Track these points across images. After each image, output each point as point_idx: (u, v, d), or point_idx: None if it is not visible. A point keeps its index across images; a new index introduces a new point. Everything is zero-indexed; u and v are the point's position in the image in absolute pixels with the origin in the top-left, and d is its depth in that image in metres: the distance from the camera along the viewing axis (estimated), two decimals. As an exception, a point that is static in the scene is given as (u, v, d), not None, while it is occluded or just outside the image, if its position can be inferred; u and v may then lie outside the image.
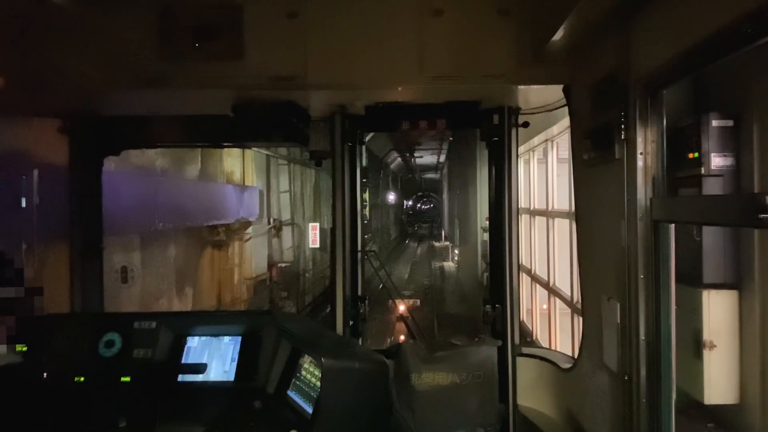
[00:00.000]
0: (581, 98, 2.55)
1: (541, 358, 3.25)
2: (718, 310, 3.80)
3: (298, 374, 2.70)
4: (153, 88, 2.78)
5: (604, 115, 2.27)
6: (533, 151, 11.04)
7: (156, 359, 2.91)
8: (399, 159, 41.20)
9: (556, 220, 9.62)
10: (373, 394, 2.68)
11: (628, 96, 2.07)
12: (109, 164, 3.72)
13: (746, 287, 3.77)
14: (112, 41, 2.71)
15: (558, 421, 3.04)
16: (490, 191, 3.46)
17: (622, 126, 2.09)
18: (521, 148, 5.08)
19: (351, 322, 3.41)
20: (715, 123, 3.60)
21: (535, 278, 11.19)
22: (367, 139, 19.56)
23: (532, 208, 11.29)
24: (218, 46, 2.73)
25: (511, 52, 2.72)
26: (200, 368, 2.85)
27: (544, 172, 10.20)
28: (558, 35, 2.32)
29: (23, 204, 3.24)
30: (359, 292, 3.53)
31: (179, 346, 3.01)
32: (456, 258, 30.94)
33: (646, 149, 2.04)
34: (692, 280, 3.83)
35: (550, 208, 9.89)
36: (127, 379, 2.82)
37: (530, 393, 3.23)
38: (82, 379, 2.81)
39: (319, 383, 2.50)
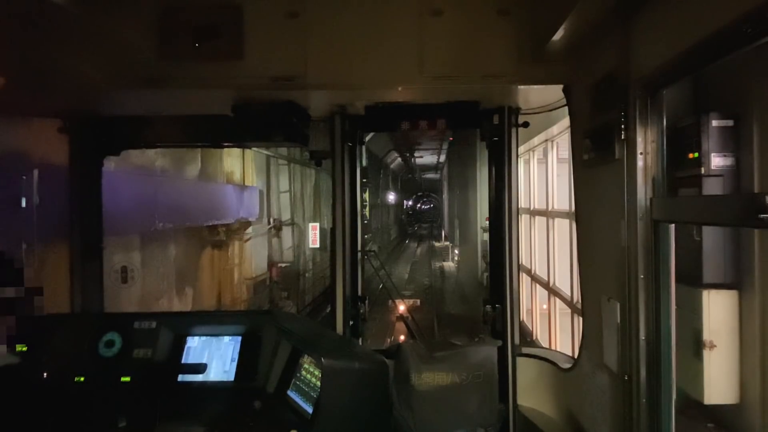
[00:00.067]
0: (581, 98, 2.55)
1: (541, 358, 3.25)
2: (718, 310, 3.79)
3: (298, 374, 2.70)
4: (153, 88, 2.78)
5: (604, 115, 2.27)
6: (533, 151, 11.04)
7: (156, 359, 2.91)
8: (399, 159, 41.21)
9: (556, 220, 9.63)
10: (373, 394, 2.68)
11: (628, 96, 2.07)
12: (109, 164, 3.72)
13: (746, 287, 3.76)
14: (112, 41, 2.71)
15: (558, 421, 3.04)
16: (490, 191, 3.46)
17: (622, 126, 2.09)
18: (521, 148, 5.08)
19: (351, 322, 3.41)
20: (715, 123, 3.60)
21: (535, 278, 11.19)
22: (367, 139, 19.57)
23: (532, 208, 11.29)
24: (218, 46, 2.73)
25: (511, 52, 2.72)
26: (200, 368, 2.85)
27: (544, 172, 10.20)
28: (558, 35, 2.32)
29: (23, 204, 3.24)
30: (359, 292, 3.53)
31: (179, 346, 3.01)
32: (456, 258, 30.94)
33: (646, 149, 2.04)
34: (692, 280, 3.83)
35: (550, 208, 9.89)
36: (127, 379, 2.82)
37: (530, 393, 3.23)
38: (82, 379, 2.81)
39: (319, 383, 2.50)
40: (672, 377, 2.01)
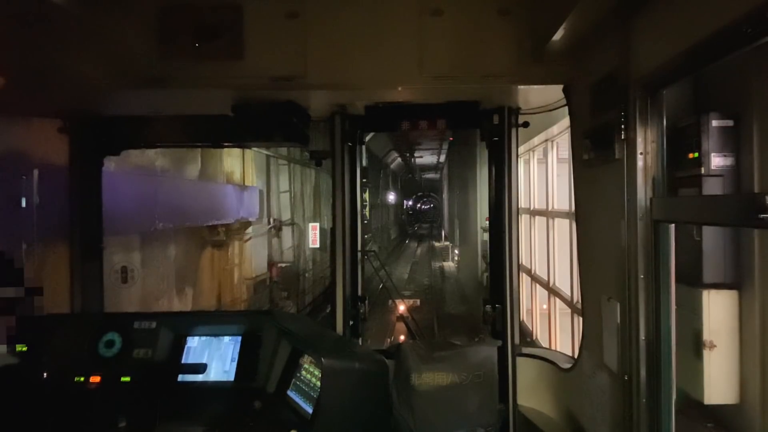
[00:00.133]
0: (581, 98, 2.55)
1: (541, 358, 3.25)
2: (718, 310, 3.79)
3: (298, 374, 2.70)
4: (153, 88, 2.78)
5: (604, 115, 2.27)
6: (533, 151, 11.04)
7: (156, 359, 2.91)
8: (399, 159, 41.21)
9: (556, 220, 9.63)
10: (373, 394, 2.69)
11: (628, 96, 2.07)
12: (109, 164, 3.72)
13: (746, 287, 3.76)
14: (112, 41, 2.71)
15: (558, 421, 3.04)
16: (490, 191, 3.46)
17: (622, 126, 2.09)
18: (521, 148, 5.08)
19: (351, 322, 3.41)
20: (715, 123, 3.60)
21: (535, 278, 11.19)
22: (367, 139, 19.57)
23: (532, 208, 11.29)
24: (218, 46, 2.73)
25: (511, 52, 2.72)
26: (200, 368, 2.85)
27: (544, 172, 10.20)
28: (558, 35, 2.31)
29: (23, 204, 3.24)
30: (359, 292, 3.53)
31: (179, 346, 3.01)
32: (456, 258, 30.95)
33: (646, 149, 2.04)
34: (692, 280, 3.83)
35: (550, 208, 9.89)
36: (127, 379, 2.82)
37: (530, 393, 3.23)
38: (82, 379, 2.81)
39: (319, 383, 2.50)
40: (672, 377, 2.01)
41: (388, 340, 14.81)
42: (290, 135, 3.20)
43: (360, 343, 3.57)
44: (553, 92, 2.86)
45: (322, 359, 2.50)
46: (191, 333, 3.05)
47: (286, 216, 17.98)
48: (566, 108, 2.83)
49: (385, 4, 2.76)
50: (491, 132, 3.29)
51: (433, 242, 46.48)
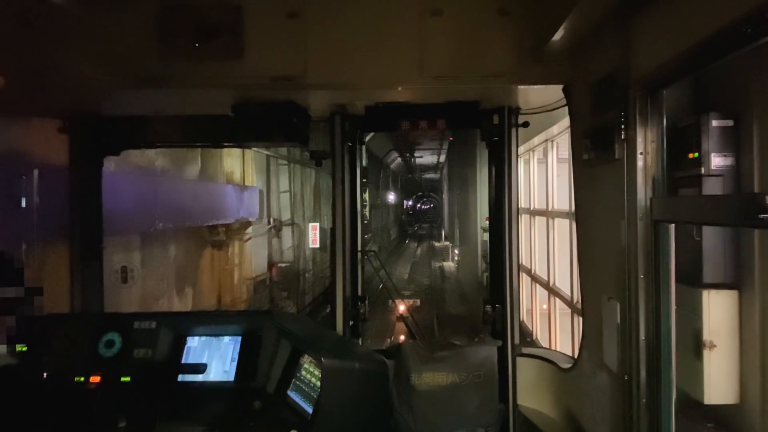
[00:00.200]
0: (581, 98, 2.55)
1: (541, 358, 3.25)
2: (718, 310, 3.79)
3: (298, 374, 2.70)
4: (153, 88, 2.78)
5: (603, 115, 2.27)
6: (533, 151, 11.04)
7: (156, 359, 2.91)
8: (399, 159, 41.21)
9: (556, 220, 9.63)
10: (373, 394, 2.69)
11: (628, 96, 2.07)
12: (109, 164, 3.72)
13: (746, 287, 3.76)
14: (112, 41, 2.71)
15: (558, 421, 3.04)
16: (490, 191, 3.45)
17: (622, 126, 2.09)
18: (521, 148, 5.08)
19: (351, 322, 3.41)
20: (715, 123, 3.60)
21: (535, 278, 11.19)
22: (367, 139, 19.56)
23: (532, 208, 11.29)
24: (218, 46, 2.73)
25: (511, 52, 2.72)
26: (200, 368, 2.85)
27: (544, 172, 10.20)
28: (558, 35, 2.31)
29: (23, 204, 3.24)
30: (359, 292, 3.53)
31: (179, 346, 3.01)
32: (456, 258, 30.95)
33: (646, 149, 2.04)
34: (692, 280, 3.83)
35: (550, 208, 9.89)
36: (127, 379, 2.82)
37: (530, 393, 3.23)
38: (82, 379, 2.81)
39: (319, 383, 2.50)
40: (672, 377, 2.01)
41: (388, 340, 14.81)
42: (290, 135, 3.20)
43: (360, 343, 3.57)
44: (553, 92, 2.86)
45: (322, 359, 2.50)
46: (191, 333, 3.05)
47: (286, 216, 17.98)
48: (566, 108, 2.83)
49: (385, 4, 2.76)
50: (491, 132, 3.29)
51: (433, 242, 46.48)
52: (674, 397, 2.02)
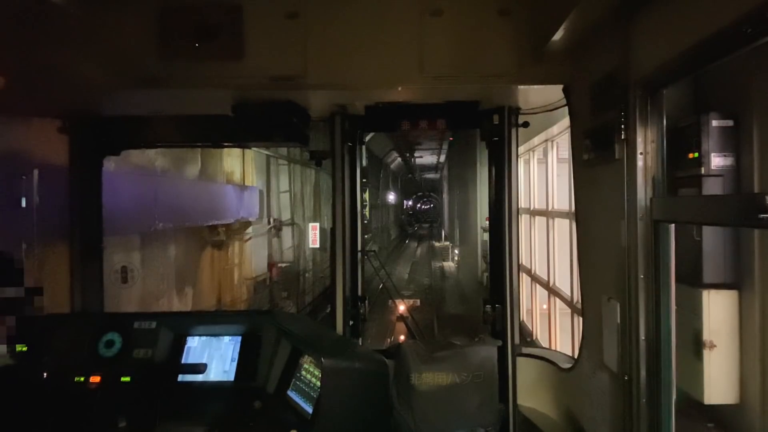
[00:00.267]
0: (581, 98, 2.55)
1: (541, 358, 3.25)
2: (718, 310, 3.79)
3: (298, 374, 2.70)
4: (153, 88, 2.78)
5: (603, 115, 2.27)
6: (533, 151, 11.04)
7: (156, 359, 2.91)
8: (399, 159, 41.20)
9: (556, 220, 9.63)
10: (373, 394, 2.68)
11: (628, 96, 2.07)
12: (109, 164, 3.72)
13: (746, 287, 3.76)
14: (112, 41, 2.71)
15: (558, 421, 3.04)
16: (490, 191, 3.45)
17: (622, 126, 2.09)
18: (521, 148, 5.08)
19: (351, 322, 3.41)
20: (715, 123, 3.60)
21: (535, 278, 11.19)
22: (367, 139, 19.58)
23: (532, 208, 11.29)
24: (218, 46, 2.73)
25: (511, 52, 2.72)
26: (200, 368, 2.85)
27: (544, 172, 10.20)
28: (558, 35, 2.31)
29: (23, 204, 3.24)
30: (359, 292, 3.53)
31: (179, 346, 3.01)
32: (456, 258, 30.95)
33: (646, 149, 2.04)
34: (692, 280, 3.83)
35: (550, 208, 9.89)
36: (127, 379, 2.82)
37: (530, 393, 3.23)
38: (82, 379, 2.81)
39: (319, 383, 2.50)
40: (672, 377, 2.01)
41: (388, 340, 14.81)
42: (290, 135, 3.20)
43: (360, 343, 3.57)
44: (553, 92, 2.86)
45: (322, 359, 2.50)
46: (191, 333, 3.05)
47: (286, 216, 17.98)
48: (566, 108, 2.83)
49: (385, 5, 2.76)
50: (491, 132, 3.29)
51: (433, 242, 46.46)
52: (674, 397, 2.02)
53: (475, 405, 3.07)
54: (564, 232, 8.99)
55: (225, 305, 12.34)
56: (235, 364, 2.94)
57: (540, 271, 10.85)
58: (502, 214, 3.28)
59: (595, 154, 2.37)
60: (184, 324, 3.09)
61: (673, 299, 2.01)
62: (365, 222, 26.71)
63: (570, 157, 2.78)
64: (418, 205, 66.43)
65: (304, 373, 2.67)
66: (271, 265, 15.97)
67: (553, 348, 8.66)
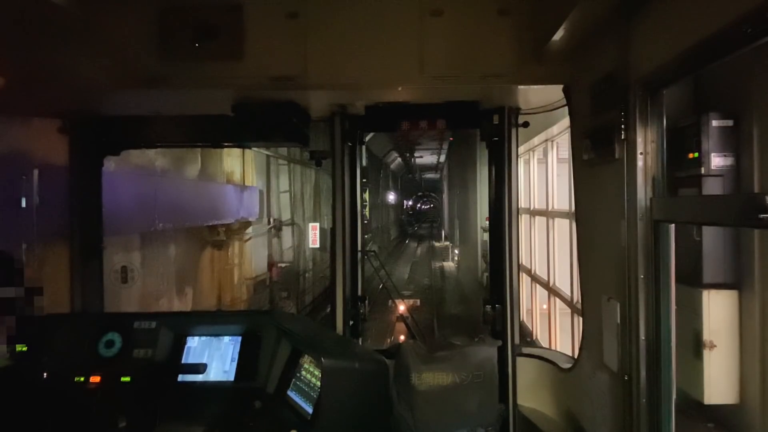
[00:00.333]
0: (581, 98, 2.55)
1: (541, 358, 3.25)
2: (718, 310, 3.79)
3: (298, 374, 2.70)
4: (153, 88, 2.78)
5: (603, 115, 2.27)
6: (533, 151, 11.04)
7: (156, 359, 2.91)
8: (399, 159, 41.21)
9: (556, 220, 9.63)
10: (373, 394, 2.68)
11: (628, 96, 2.07)
12: (109, 164, 3.72)
13: (746, 287, 3.76)
14: (112, 41, 2.71)
15: (558, 421, 3.04)
16: (490, 191, 3.45)
17: (622, 126, 2.09)
18: (521, 148, 5.08)
19: (351, 322, 3.41)
20: (715, 123, 3.60)
21: (535, 278, 11.19)
22: (367, 139, 19.58)
23: (532, 208, 11.29)
24: (218, 46, 2.73)
25: (511, 52, 2.72)
26: (200, 368, 2.85)
27: (544, 172, 10.20)
28: (558, 35, 2.31)
29: (23, 204, 3.24)
30: (359, 292, 3.53)
31: (179, 346, 3.01)
32: (456, 258, 30.96)
33: (646, 149, 2.04)
34: (692, 280, 3.83)
35: (550, 208, 9.89)
36: (127, 379, 2.81)
37: (530, 393, 3.23)
38: (82, 379, 2.81)
39: (319, 383, 2.50)
40: (672, 377, 2.01)
41: (388, 340, 14.81)
42: (290, 135, 3.20)
43: (360, 343, 3.57)
44: (553, 92, 2.86)
45: (322, 359, 2.50)
46: (191, 333, 3.04)
47: (286, 216, 17.98)
48: (566, 108, 2.83)
49: (385, 4, 2.76)
50: (491, 132, 3.29)
51: (433, 242, 46.48)
52: (674, 397, 2.02)
53: (475, 405, 3.07)
54: (564, 232, 8.98)
55: (225, 305, 12.34)
56: (235, 364, 2.94)
57: (540, 271, 10.85)
58: (502, 214, 3.28)
59: (595, 154, 2.38)
60: (184, 324, 3.10)
61: (673, 299, 2.01)
62: (365, 222, 26.70)
63: (570, 157, 2.78)
64: (418, 205, 66.47)
65: (304, 373, 2.67)
66: (271, 265, 15.97)
67: (553, 348, 8.66)
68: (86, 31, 2.54)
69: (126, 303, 7.17)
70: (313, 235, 17.95)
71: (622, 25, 2.10)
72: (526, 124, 3.30)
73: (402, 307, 8.82)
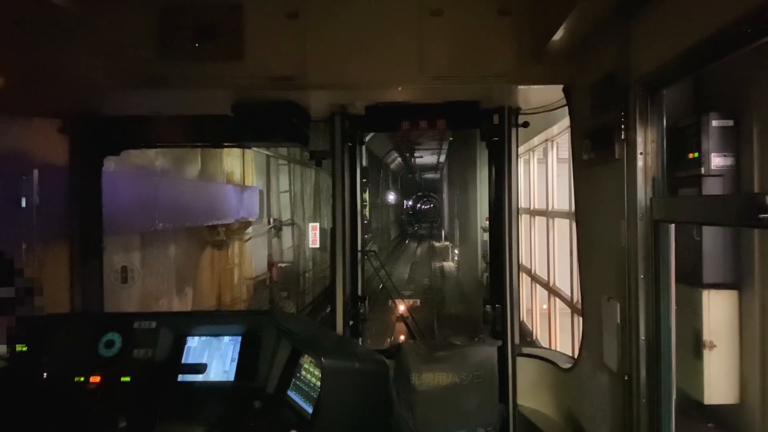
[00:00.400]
0: (581, 98, 2.55)
1: (541, 358, 3.25)
2: (718, 310, 3.80)
3: (298, 374, 2.70)
4: (153, 88, 2.78)
5: (604, 115, 2.27)
6: (533, 151, 11.03)
7: (156, 359, 2.91)
8: (399, 159, 41.21)
9: (556, 220, 9.62)
10: (373, 394, 2.68)
11: (628, 96, 2.07)
12: (109, 164, 3.72)
13: (746, 287, 3.77)
14: (112, 41, 2.71)
15: (558, 421, 3.04)
16: (490, 191, 3.46)
17: (622, 126, 2.09)
18: (521, 148, 5.08)
19: (351, 322, 3.41)
20: (715, 123, 3.61)
21: (535, 278, 11.19)
22: (367, 139, 19.57)
23: (532, 208, 11.29)
24: (218, 46, 2.73)
25: (511, 52, 2.72)
26: (200, 368, 2.85)
27: (544, 172, 10.20)
28: (558, 35, 2.31)
29: (23, 204, 3.24)
30: (359, 292, 3.53)
31: (179, 346, 3.00)
32: (456, 258, 30.94)
33: (646, 149, 2.04)
34: (692, 280, 3.84)
35: (550, 208, 9.89)
36: (127, 379, 2.81)
37: (530, 393, 3.23)
38: (82, 379, 2.81)
39: (319, 383, 2.50)
40: (672, 377, 2.01)
41: (388, 340, 14.81)
42: (290, 135, 3.21)
43: (360, 343, 3.57)
44: (553, 92, 2.86)
45: (322, 359, 2.50)
46: (191, 333, 3.04)
47: (286, 216, 17.98)
48: (566, 108, 2.83)
49: (385, 4, 2.76)
50: (491, 132, 3.29)
51: (433, 242, 46.47)
52: (674, 397, 2.02)
53: (475, 405, 3.07)
54: (564, 232, 8.98)
55: (225, 305, 12.34)
56: (235, 364, 2.94)
57: (540, 271, 10.85)
58: (502, 214, 3.29)
59: (595, 154, 2.38)
60: (184, 324, 3.09)
61: (673, 299, 2.01)
62: (365, 222, 26.71)
63: (570, 157, 2.78)
64: (418, 205, 66.46)
65: (304, 373, 2.67)
66: (271, 265, 15.97)
67: (553, 348, 8.66)
68: (86, 31, 2.54)
69: (126, 303, 7.18)
70: (313, 235, 17.94)
71: (622, 25, 2.10)
72: (526, 124, 3.30)
73: (402, 307, 8.83)
